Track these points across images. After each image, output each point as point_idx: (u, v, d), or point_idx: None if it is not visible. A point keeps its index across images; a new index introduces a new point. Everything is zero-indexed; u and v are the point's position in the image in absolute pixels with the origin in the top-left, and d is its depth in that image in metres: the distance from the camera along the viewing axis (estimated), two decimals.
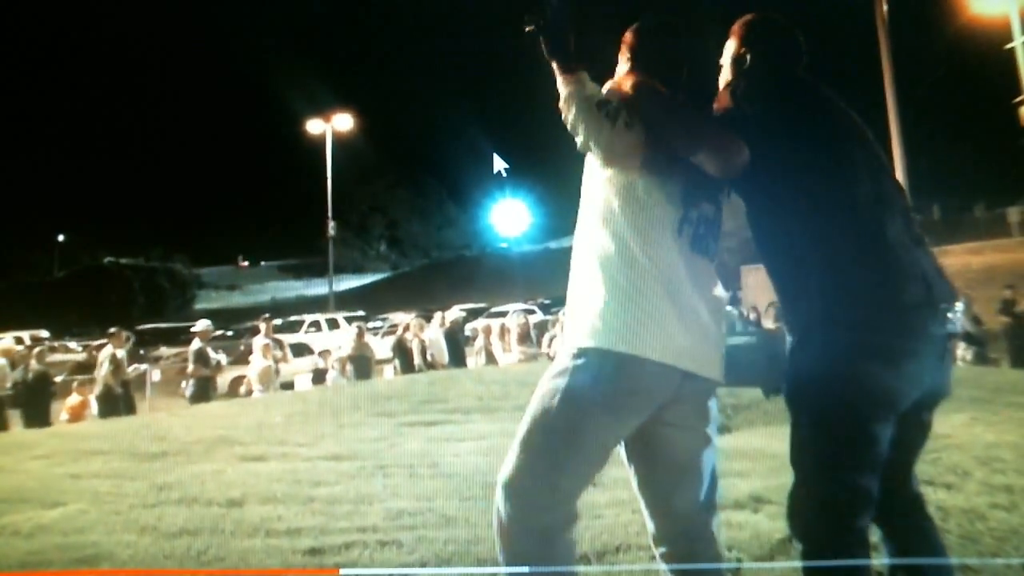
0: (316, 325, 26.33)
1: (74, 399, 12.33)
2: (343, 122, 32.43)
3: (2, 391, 13.00)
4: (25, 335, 29.64)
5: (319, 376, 14.81)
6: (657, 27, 2.76)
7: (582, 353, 2.47)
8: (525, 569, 2.48)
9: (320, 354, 16.37)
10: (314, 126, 32.84)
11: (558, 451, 2.43)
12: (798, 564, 2.47)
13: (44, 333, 28.93)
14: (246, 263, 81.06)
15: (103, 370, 12.84)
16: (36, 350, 14.70)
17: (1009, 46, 16.77)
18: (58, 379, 13.97)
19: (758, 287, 19.08)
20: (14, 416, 12.57)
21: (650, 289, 2.46)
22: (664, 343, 2.42)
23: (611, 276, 2.50)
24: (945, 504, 4.13)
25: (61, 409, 12.46)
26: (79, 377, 13.09)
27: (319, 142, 32.52)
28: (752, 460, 5.69)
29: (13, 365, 13.65)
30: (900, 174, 15.36)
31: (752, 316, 14.61)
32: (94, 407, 12.46)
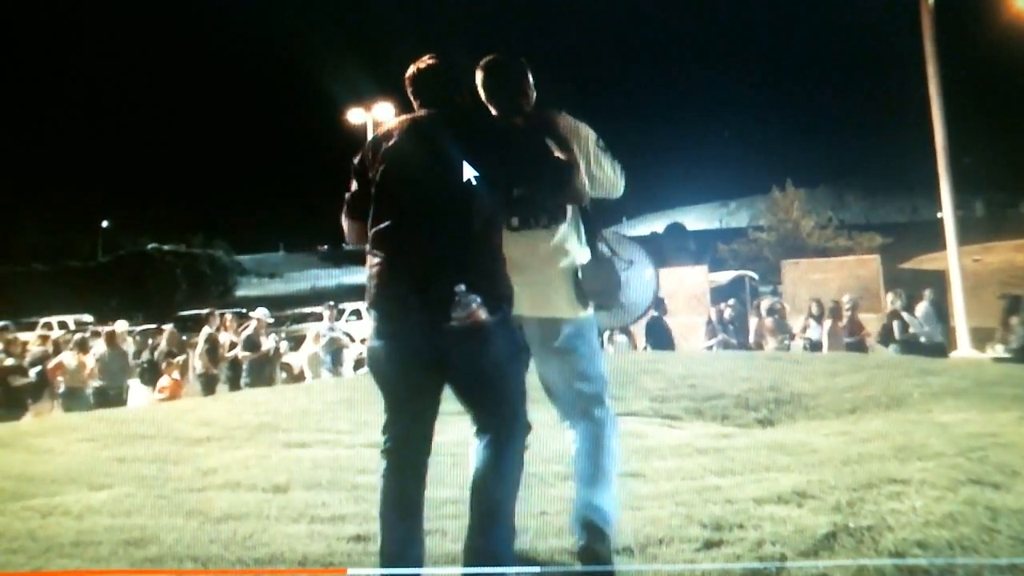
0: (357, 313, 26.43)
1: (165, 380, 12.58)
2: (384, 111, 32.42)
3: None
4: (70, 319, 30.02)
5: (360, 364, 14.87)
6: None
7: None
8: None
9: (362, 342, 16.42)
10: (355, 115, 32.89)
11: None
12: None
13: (88, 318, 29.24)
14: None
15: (199, 350, 13.21)
16: (167, 331, 15.35)
17: None
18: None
19: (798, 281, 18.90)
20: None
21: None
22: None
23: None
24: (994, 504, 4.02)
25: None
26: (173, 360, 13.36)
27: (360, 131, 32.57)
28: (794, 454, 5.65)
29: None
30: (943, 170, 15.10)
31: (815, 310, 14.05)
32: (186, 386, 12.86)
